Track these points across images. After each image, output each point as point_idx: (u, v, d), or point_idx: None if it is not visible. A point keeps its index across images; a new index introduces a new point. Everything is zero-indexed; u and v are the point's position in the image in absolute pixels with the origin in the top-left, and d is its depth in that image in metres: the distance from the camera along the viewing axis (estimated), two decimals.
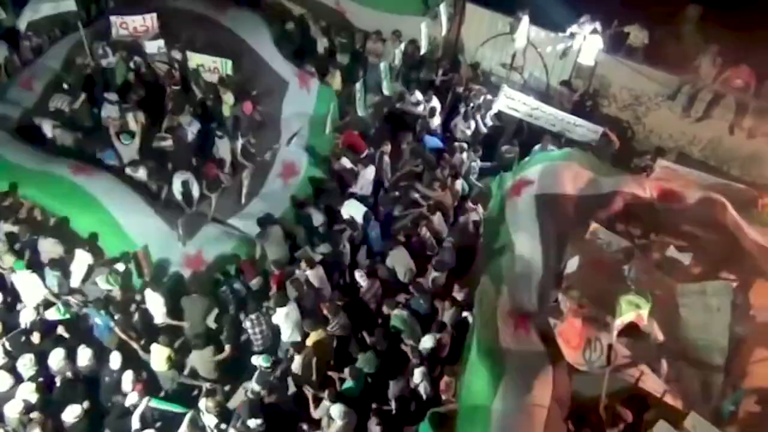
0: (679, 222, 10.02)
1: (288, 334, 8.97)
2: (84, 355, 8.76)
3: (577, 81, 13.44)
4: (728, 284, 9.44)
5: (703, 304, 9.38)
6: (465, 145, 12.48)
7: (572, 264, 9.20)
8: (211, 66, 12.50)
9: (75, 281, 9.69)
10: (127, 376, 8.51)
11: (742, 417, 8.51)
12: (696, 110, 12.49)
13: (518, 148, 12.47)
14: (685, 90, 12.49)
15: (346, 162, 11.50)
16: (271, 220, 10.35)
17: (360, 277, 9.53)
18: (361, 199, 11.16)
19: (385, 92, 13.18)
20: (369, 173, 11.40)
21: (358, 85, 12.17)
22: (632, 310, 8.31)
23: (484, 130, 13.13)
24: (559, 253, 9.14)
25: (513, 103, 12.65)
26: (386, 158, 11.79)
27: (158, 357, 8.88)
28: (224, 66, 12.44)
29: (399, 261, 9.79)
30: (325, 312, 8.97)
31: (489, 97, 13.16)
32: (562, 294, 8.93)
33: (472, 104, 13.23)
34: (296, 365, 8.46)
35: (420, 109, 13.05)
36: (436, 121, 12.88)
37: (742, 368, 9.20)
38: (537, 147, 12.27)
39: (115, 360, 8.66)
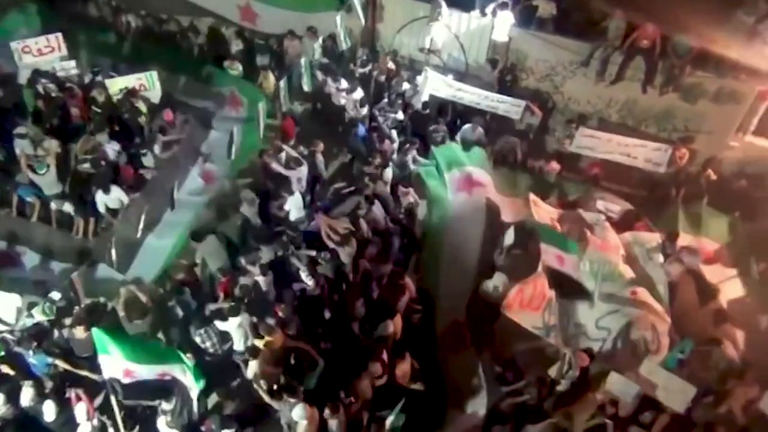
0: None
1: (241, 342, 8.83)
2: (26, 395, 8.25)
3: (495, 58, 13.75)
4: (656, 235, 10.20)
5: (641, 254, 10.06)
6: (393, 133, 12.66)
7: (509, 236, 9.89)
8: (136, 84, 12.15)
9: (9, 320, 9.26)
10: (81, 409, 8.08)
11: (689, 364, 8.92)
12: (609, 74, 12.93)
13: (446, 127, 12.67)
14: (597, 55, 12.90)
15: (277, 167, 11.32)
16: (206, 231, 10.19)
17: (306, 277, 9.44)
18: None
19: (305, 88, 13.21)
20: (302, 172, 11.33)
21: (282, 83, 12.06)
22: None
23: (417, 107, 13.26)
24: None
25: (437, 85, 12.87)
26: (319, 156, 11.84)
27: None
28: (150, 79, 12.13)
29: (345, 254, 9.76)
30: (280, 314, 8.88)
31: (412, 82, 13.38)
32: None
33: (395, 92, 13.38)
34: (252, 371, 8.32)
35: (346, 98, 13.11)
36: (363, 111, 12.94)
37: (680, 315, 9.76)
38: (467, 126, 12.59)
39: (49, 411, 8.09)
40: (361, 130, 12.67)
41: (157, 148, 11.48)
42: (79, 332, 8.64)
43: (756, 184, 12.18)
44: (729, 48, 11.36)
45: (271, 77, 13.16)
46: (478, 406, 8.44)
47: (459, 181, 11.36)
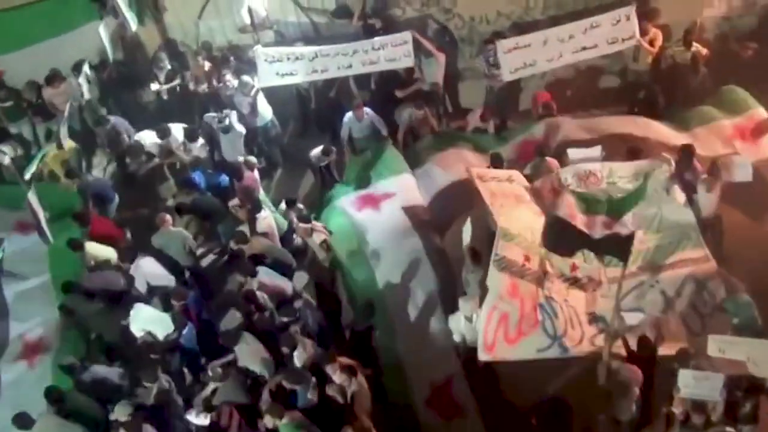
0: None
1: None
2: None
3: (344, 3, 14.02)
4: (662, 157, 10.35)
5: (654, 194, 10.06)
6: (253, 159, 12.63)
7: (467, 231, 9.98)
8: None
9: None
10: None
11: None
12: None
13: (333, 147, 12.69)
14: None
15: (109, 275, 11.20)
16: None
17: (197, 417, 9.41)
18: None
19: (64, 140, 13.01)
20: (147, 265, 11.31)
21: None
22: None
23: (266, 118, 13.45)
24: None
25: (282, 66, 12.93)
26: (169, 227, 11.61)
27: None
28: None
29: (248, 356, 9.80)
30: None
31: (245, 77, 13.19)
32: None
33: (226, 98, 13.44)
34: None
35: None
36: (198, 150, 12.95)
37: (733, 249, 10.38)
38: (349, 116, 12.62)
39: None
40: (197, 176, 12.50)
41: None
42: None
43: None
44: None
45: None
46: None
47: (357, 202, 11.66)
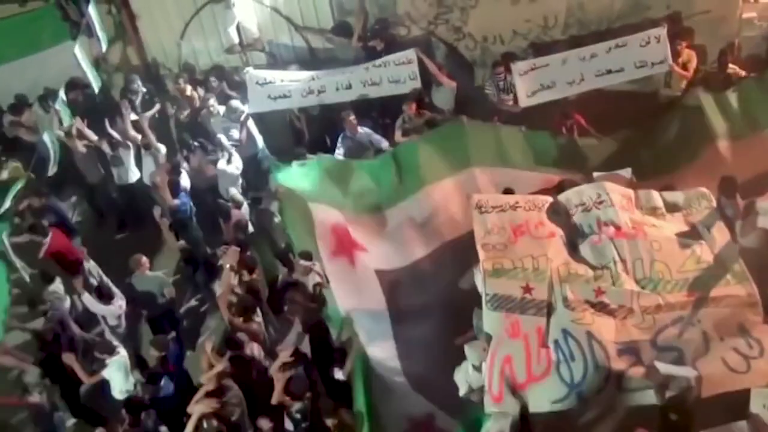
0: None
1: None
2: None
3: (344, 21, 14.02)
4: (702, 191, 10.04)
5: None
6: (239, 197, 12.61)
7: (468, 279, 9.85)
8: None
9: None
10: None
11: None
12: None
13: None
14: None
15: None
16: None
17: None
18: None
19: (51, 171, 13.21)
20: (119, 307, 11.40)
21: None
22: None
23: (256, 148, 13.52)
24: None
25: (275, 88, 13.06)
26: (146, 272, 11.74)
27: None
28: None
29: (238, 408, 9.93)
30: None
31: (234, 102, 13.29)
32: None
33: (215, 126, 13.39)
34: None
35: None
36: (184, 182, 12.92)
37: None
38: (343, 137, 12.49)
39: None
40: (183, 199, 12.58)
41: None
42: None
43: None
44: None
45: (12, 164, 13.41)
46: None
47: (331, 236, 10.88)
